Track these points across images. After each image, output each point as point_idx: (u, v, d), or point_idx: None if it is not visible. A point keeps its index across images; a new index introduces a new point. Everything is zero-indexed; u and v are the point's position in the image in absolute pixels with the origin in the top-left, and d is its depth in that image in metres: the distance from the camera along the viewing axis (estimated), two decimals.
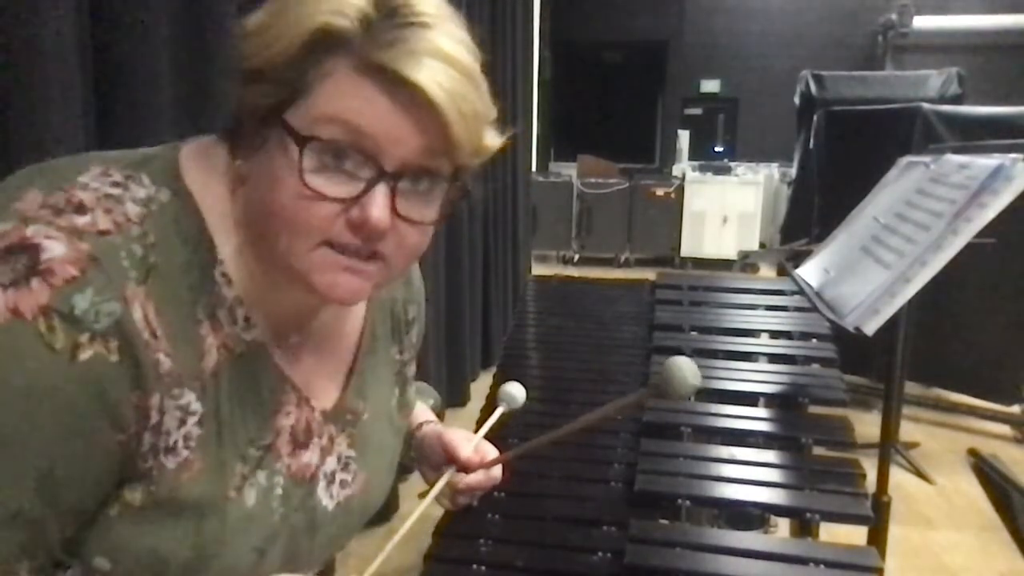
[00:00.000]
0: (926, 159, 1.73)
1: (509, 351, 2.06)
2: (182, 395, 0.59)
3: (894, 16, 8.56)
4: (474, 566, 1.09)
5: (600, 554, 1.11)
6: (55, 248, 0.53)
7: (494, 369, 2.03)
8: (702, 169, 7.87)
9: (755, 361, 1.86)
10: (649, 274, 2.46)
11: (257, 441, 0.66)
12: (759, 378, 1.73)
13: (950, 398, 3.66)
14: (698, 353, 1.85)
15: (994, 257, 2.86)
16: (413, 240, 0.62)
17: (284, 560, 0.69)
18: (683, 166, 8.32)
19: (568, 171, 8.16)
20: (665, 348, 1.86)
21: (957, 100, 5.01)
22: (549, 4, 7.33)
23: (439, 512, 1.27)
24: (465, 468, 0.91)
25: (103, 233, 0.56)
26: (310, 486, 0.71)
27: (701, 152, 9.15)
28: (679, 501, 1.24)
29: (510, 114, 4.04)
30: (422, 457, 0.96)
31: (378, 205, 0.57)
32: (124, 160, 0.62)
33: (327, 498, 0.73)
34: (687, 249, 7.58)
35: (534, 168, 6.39)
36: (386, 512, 2.24)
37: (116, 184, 0.59)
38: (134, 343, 0.55)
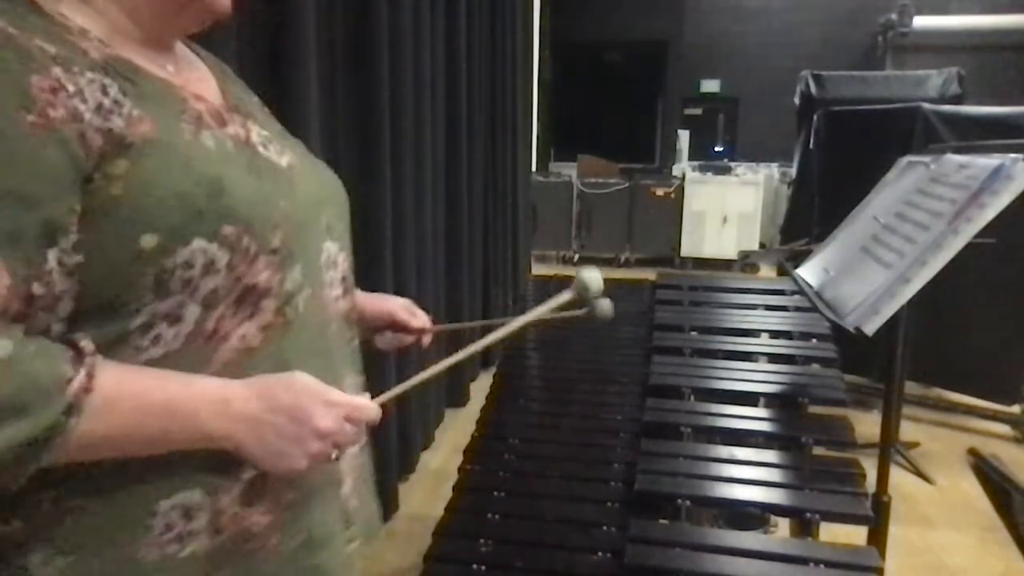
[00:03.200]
0: (926, 159, 1.73)
1: (509, 351, 2.06)
2: (84, 71, 0.62)
3: (894, 16, 8.56)
4: (474, 566, 1.09)
5: (600, 554, 1.12)
6: None
7: (494, 369, 2.03)
8: (702, 169, 7.87)
9: (755, 361, 1.86)
10: (649, 274, 2.46)
11: (183, 112, 0.69)
12: (759, 378, 1.73)
13: (950, 398, 3.66)
14: (698, 353, 1.85)
15: (994, 257, 2.87)
16: None
17: (286, 208, 0.72)
18: (683, 166, 8.33)
19: (568, 171, 8.16)
20: (665, 348, 1.86)
21: (957, 100, 5.02)
22: (549, 4, 7.33)
23: (439, 512, 1.27)
24: (404, 327, 1.07)
25: None
26: (253, 148, 0.75)
27: (701, 152, 9.15)
28: (679, 501, 1.24)
29: (510, 114, 4.03)
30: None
31: None
32: None
33: (275, 156, 0.77)
34: (687, 249, 7.58)
35: (534, 168, 6.39)
36: (386, 513, 2.25)
37: None
38: (8, 32, 0.58)
